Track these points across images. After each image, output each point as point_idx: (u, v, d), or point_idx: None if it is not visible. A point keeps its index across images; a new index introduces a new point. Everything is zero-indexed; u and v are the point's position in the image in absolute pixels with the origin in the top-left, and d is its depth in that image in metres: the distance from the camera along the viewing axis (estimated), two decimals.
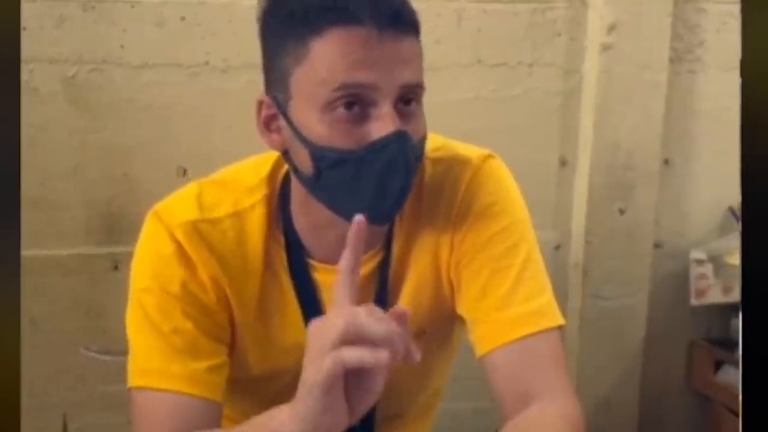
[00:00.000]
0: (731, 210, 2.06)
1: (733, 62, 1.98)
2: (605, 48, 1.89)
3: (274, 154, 1.11)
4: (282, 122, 1.00)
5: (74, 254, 1.74)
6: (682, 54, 1.98)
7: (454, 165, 1.11)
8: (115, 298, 1.76)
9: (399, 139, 0.95)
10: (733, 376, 2.00)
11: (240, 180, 1.10)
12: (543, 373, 1.04)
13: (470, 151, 1.13)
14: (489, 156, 1.13)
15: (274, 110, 1.01)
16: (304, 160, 0.99)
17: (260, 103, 1.03)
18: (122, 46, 1.69)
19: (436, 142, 1.12)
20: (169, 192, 1.12)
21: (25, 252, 1.70)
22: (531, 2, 1.87)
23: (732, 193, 2.03)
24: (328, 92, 0.94)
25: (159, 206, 1.08)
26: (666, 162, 2.02)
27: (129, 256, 1.72)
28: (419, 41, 0.99)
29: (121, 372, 1.77)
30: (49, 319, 1.74)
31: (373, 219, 0.99)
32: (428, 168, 1.10)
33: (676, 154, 2.03)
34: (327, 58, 0.94)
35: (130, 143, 1.72)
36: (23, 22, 1.62)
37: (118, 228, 1.75)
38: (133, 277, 1.08)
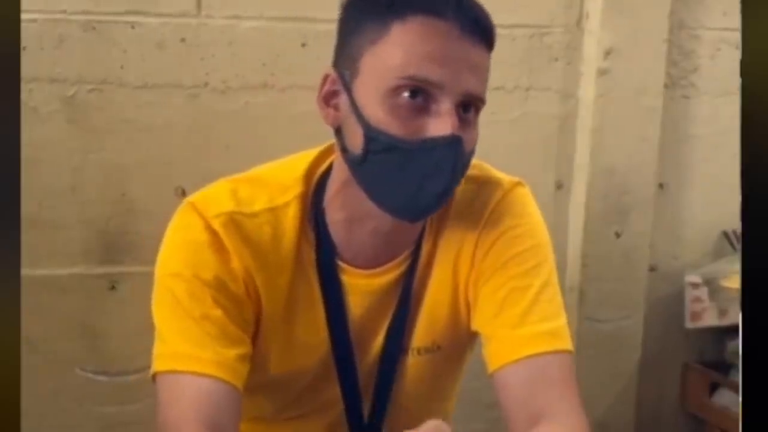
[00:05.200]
0: (725, 234, 2.07)
1: (727, 88, 2.01)
2: (601, 73, 1.90)
3: (311, 154, 1.12)
4: (342, 99, 1.02)
5: (71, 274, 1.74)
6: (677, 80, 2.00)
7: (485, 186, 1.13)
8: (112, 319, 1.77)
9: (453, 143, 0.96)
10: (729, 398, 2.00)
11: (275, 177, 1.10)
12: (553, 392, 1.05)
13: (501, 175, 1.16)
14: (518, 183, 1.16)
15: (336, 87, 1.03)
16: (356, 140, 1.00)
17: (326, 77, 1.04)
18: (122, 67, 1.69)
19: None
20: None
21: (22, 271, 1.70)
22: (528, 27, 1.88)
23: (726, 218, 2.04)
24: (395, 78, 0.96)
25: (193, 198, 1.09)
26: (661, 186, 2.03)
27: (126, 276, 1.75)
28: (490, 59, 1.01)
29: (118, 393, 1.78)
30: (46, 340, 1.73)
31: (405, 214, 1.01)
32: (460, 184, 1.12)
33: (671, 178, 2.04)
34: (404, 44, 0.95)
35: (128, 163, 1.73)
36: (23, 42, 1.63)
37: (115, 248, 1.74)
38: (162, 263, 1.08)
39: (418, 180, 0.97)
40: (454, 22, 0.95)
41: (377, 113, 0.97)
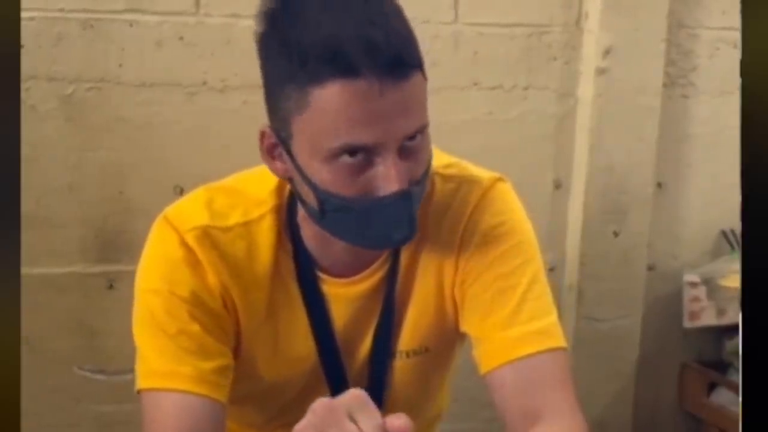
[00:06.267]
0: (724, 233, 2.07)
1: (725, 87, 2.01)
2: (600, 72, 1.90)
3: None
4: (285, 153, 1.00)
5: (69, 272, 1.74)
6: (675, 79, 2.00)
7: (463, 184, 1.11)
8: (110, 317, 1.76)
9: (403, 197, 0.95)
10: (726, 398, 2.00)
11: (249, 190, 1.09)
12: (548, 392, 1.04)
13: (480, 172, 1.14)
14: (499, 179, 1.14)
15: (276, 140, 1.00)
16: (309, 197, 0.99)
17: (262, 134, 1.02)
18: (120, 65, 1.69)
19: (446, 160, 1.13)
20: None
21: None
22: (527, 26, 1.88)
23: (725, 217, 2.04)
24: (329, 147, 0.93)
25: (168, 211, 1.08)
26: (659, 185, 2.03)
27: (124, 274, 1.75)
28: (423, 75, 0.97)
29: (115, 391, 1.78)
30: (43, 338, 1.73)
31: (374, 249, 1.05)
32: (438, 184, 1.11)
33: (669, 177, 2.04)
34: (328, 112, 0.92)
35: (126, 162, 1.72)
36: (21, 40, 1.63)
37: (113, 246, 1.74)
38: (140, 279, 1.08)
39: (380, 231, 0.98)
40: (372, 76, 0.90)
41: (322, 175, 0.95)
